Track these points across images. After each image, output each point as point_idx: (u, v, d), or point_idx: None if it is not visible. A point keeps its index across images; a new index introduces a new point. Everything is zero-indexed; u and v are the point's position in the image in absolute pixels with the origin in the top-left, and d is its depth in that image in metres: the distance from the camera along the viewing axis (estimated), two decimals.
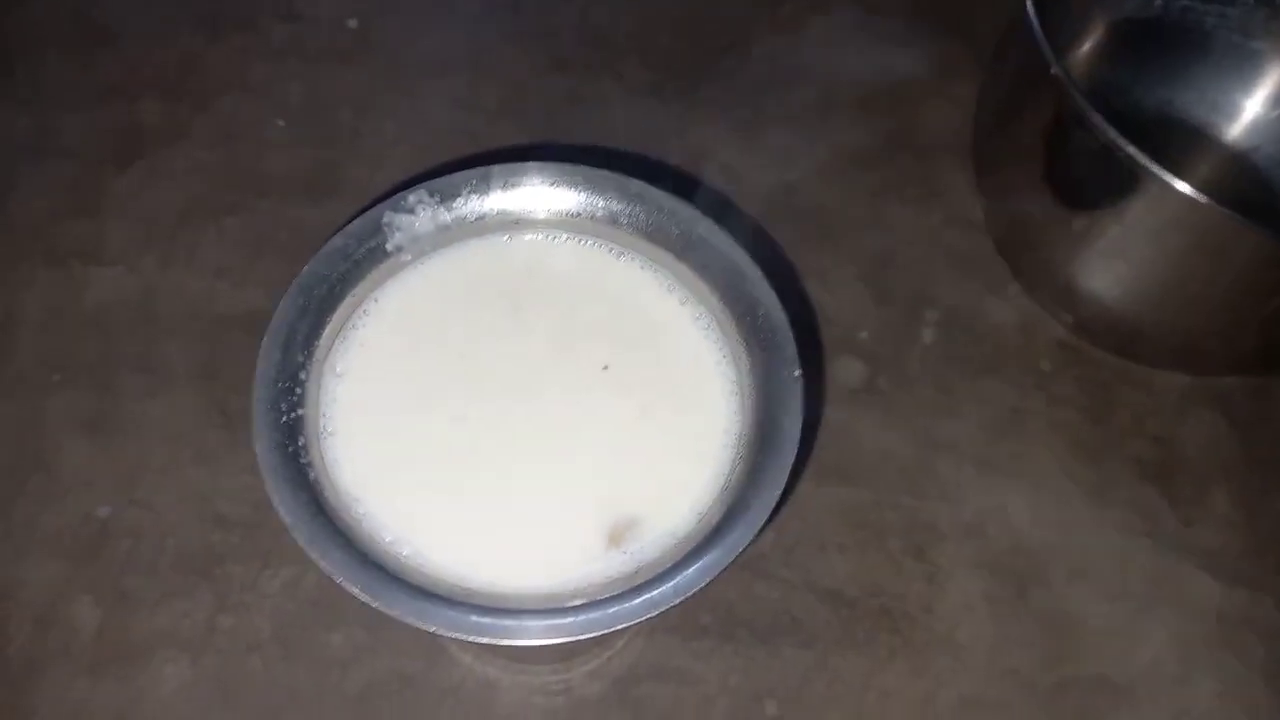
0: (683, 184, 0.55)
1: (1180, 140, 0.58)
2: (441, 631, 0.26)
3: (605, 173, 0.34)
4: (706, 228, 0.33)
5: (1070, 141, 0.45)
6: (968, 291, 0.54)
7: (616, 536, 0.30)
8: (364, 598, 0.26)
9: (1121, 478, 0.49)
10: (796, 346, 0.32)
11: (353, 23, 0.59)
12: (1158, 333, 0.50)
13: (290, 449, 0.29)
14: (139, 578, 0.42)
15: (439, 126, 0.55)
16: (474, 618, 0.27)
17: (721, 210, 0.52)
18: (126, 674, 0.40)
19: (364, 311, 0.33)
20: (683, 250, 0.34)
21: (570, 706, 0.41)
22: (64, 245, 0.50)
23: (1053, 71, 0.43)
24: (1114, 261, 0.47)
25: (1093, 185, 0.45)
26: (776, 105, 0.58)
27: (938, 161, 0.57)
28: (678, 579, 0.27)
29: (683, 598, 0.27)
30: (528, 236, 0.35)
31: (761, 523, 0.28)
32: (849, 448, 0.48)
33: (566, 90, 0.58)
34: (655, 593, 0.27)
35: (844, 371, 0.51)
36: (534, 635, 0.26)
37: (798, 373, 0.30)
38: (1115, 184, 0.43)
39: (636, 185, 0.34)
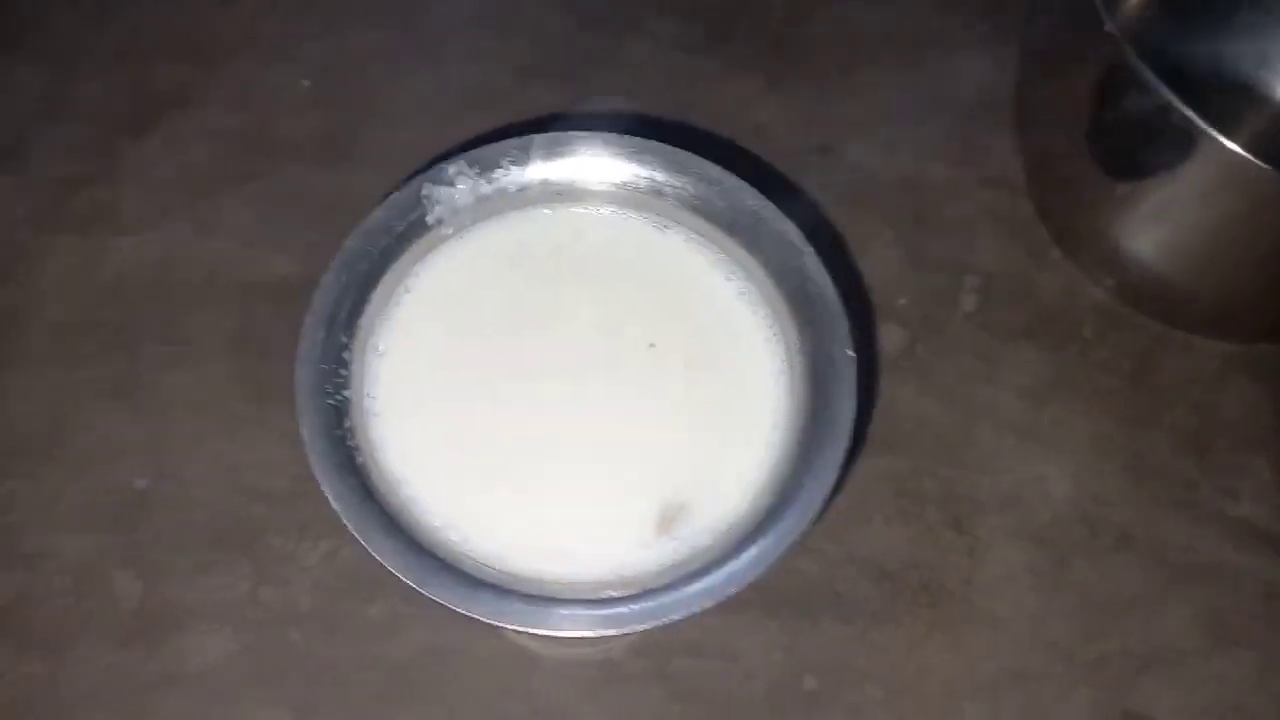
0: (714, 145, 0.53)
1: (1230, 94, 0.56)
2: (492, 621, 0.26)
3: (651, 143, 0.33)
4: (754, 200, 0.32)
5: (1119, 100, 0.43)
6: (1008, 256, 0.53)
7: (667, 523, 0.29)
8: (415, 585, 0.26)
9: (1161, 446, 0.49)
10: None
11: None
12: (1203, 298, 0.48)
13: (337, 433, 0.28)
14: (177, 550, 0.42)
15: (464, 87, 0.54)
16: (524, 607, 0.26)
17: (753, 174, 0.51)
18: (167, 645, 0.40)
19: (405, 288, 0.33)
20: (730, 223, 0.33)
21: (608, 680, 0.41)
22: (84, 213, 0.49)
23: (1107, 28, 0.41)
24: (1160, 224, 0.46)
25: (1140, 145, 0.44)
26: (809, 60, 0.56)
27: (977, 120, 0.56)
28: (730, 568, 0.27)
29: (737, 588, 0.26)
30: (570, 209, 0.34)
31: (817, 509, 0.27)
32: (888, 416, 0.48)
33: (594, 47, 0.56)
34: (708, 583, 0.27)
35: (883, 339, 0.50)
36: (585, 625, 0.26)
37: (851, 351, 0.30)
38: (1165, 144, 0.42)
39: (682, 156, 0.33)
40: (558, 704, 0.41)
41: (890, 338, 0.50)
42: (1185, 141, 0.40)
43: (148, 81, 0.53)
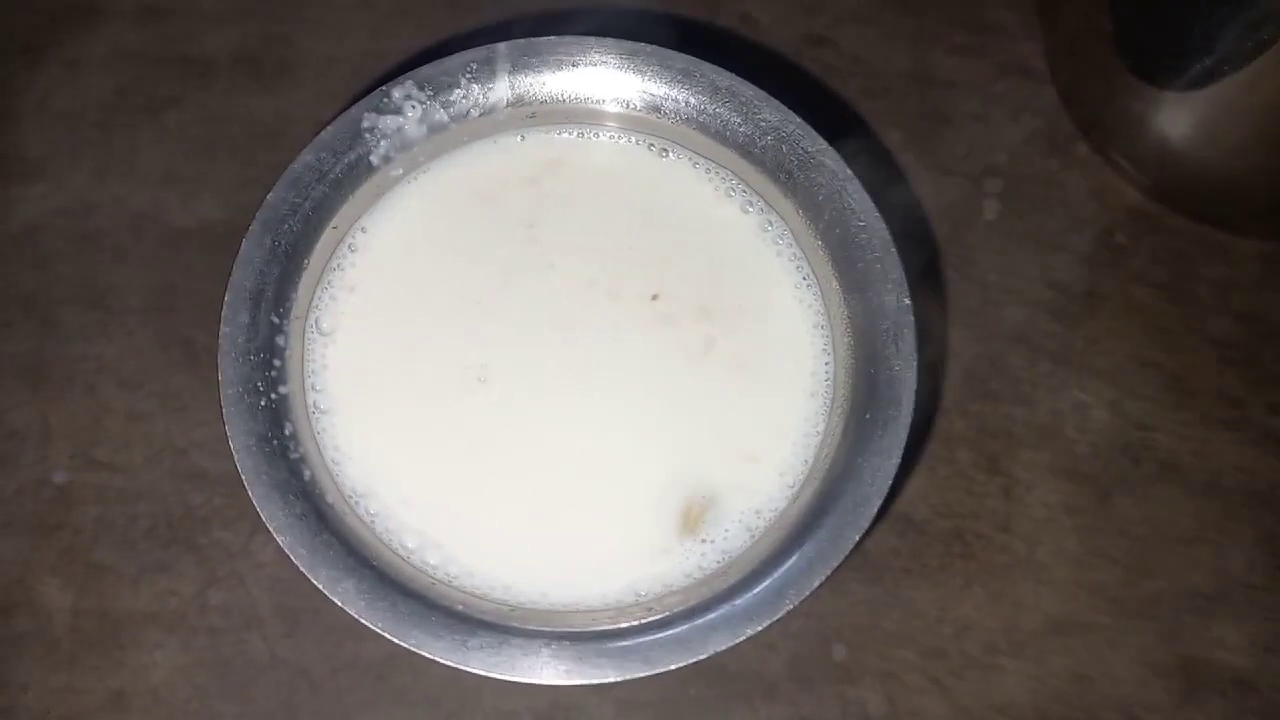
0: (696, 41, 0.47)
1: None
2: (492, 674, 0.21)
3: (644, 46, 0.27)
4: (777, 114, 0.26)
5: None
6: (1031, 154, 0.47)
7: (691, 521, 0.24)
8: (390, 636, 0.21)
9: (1204, 361, 0.44)
10: None
11: None
12: (1254, 191, 0.44)
13: (275, 442, 0.23)
14: (112, 552, 0.36)
15: None
16: (529, 652, 0.21)
17: (741, 71, 0.44)
18: (110, 663, 0.35)
19: (349, 247, 0.26)
20: (747, 145, 0.27)
21: None
22: None
23: None
24: (1207, 106, 0.40)
25: (1186, 12, 0.38)
26: None
27: None
28: (777, 579, 0.22)
29: (791, 604, 0.21)
30: (548, 134, 0.28)
31: (880, 497, 0.22)
32: None
33: None
34: (752, 600, 0.22)
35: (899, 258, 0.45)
36: (606, 668, 0.21)
37: (907, 299, 0.24)
38: (1218, 9, 0.36)
39: (683, 60, 0.27)
40: (560, 692, 0.36)
41: (906, 257, 0.44)
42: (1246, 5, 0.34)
43: None
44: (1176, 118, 0.42)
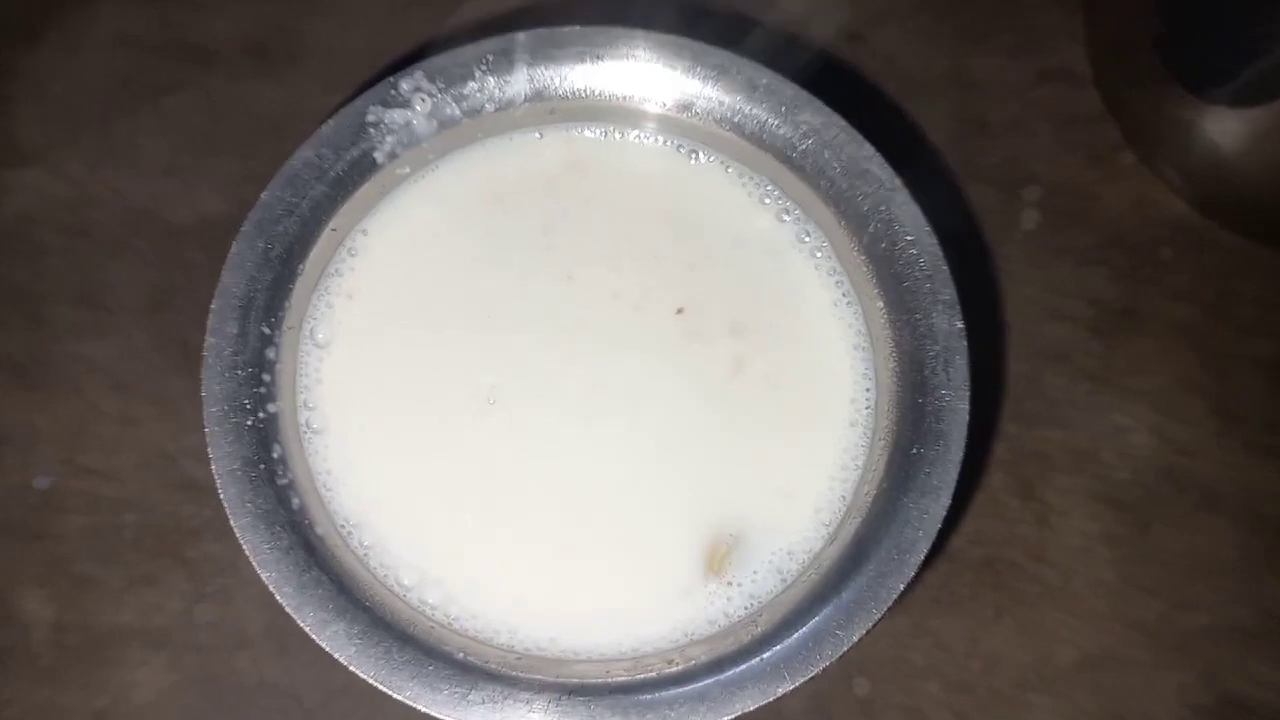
0: (720, 28, 0.45)
1: None
2: None
3: (675, 38, 0.25)
4: (820, 116, 0.24)
5: None
6: (1072, 163, 0.45)
7: (717, 561, 0.22)
8: (383, 687, 0.19)
9: (1249, 385, 0.43)
10: None
11: None
12: None
13: (262, 466, 0.21)
14: (97, 563, 0.35)
15: None
16: (532, 710, 0.19)
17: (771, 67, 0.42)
18: (93, 680, 0.34)
19: (349, 251, 0.25)
20: (785, 146, 0.25)
21: None
22: None
23: None
24: (1260, 116, 0.38)
25: (1236, 14, 0.36)
26: None
27: None
28: (812, 628, 0.20)
29: (826, 661, 0.19)
30: (568, 132, 0.26)
31: (930, 539, 0.20)
32: None
33: None
34: (782, 652, 0.19)
35: None
36: None
37: (960, 323, 0.22)
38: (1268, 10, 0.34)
39: (718, 55, 0.25)
40: None
41: None
42: None
43: None
44: (1228, 128, 0.40)
